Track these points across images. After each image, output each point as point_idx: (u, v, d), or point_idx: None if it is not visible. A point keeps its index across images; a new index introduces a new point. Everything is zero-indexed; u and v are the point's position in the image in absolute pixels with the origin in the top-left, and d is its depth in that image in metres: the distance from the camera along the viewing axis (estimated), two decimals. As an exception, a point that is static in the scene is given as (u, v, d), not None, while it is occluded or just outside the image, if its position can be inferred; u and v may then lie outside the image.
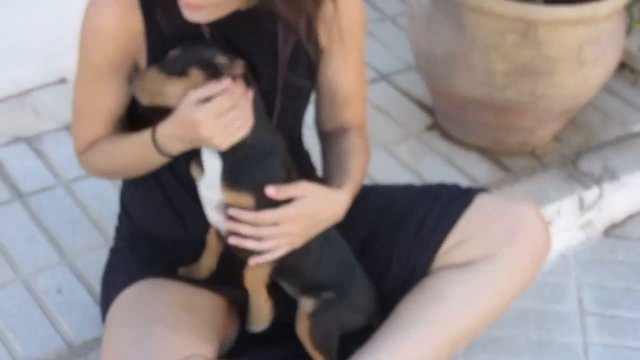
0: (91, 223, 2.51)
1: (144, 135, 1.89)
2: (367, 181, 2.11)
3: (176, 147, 1.87)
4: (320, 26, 1.98)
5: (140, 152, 1.93)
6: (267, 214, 1.86)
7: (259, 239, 1.87)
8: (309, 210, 1.88)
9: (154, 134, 1.87)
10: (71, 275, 2.36)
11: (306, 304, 1.99)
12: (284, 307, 2.04)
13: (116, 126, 1.98)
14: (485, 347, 2.40)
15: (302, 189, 1.88)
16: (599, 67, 2.67)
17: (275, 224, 1.86)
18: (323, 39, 2.01)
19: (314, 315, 1.99)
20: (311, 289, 2.00)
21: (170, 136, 1.85)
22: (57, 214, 2.54)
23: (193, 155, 1.89)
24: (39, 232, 2.48)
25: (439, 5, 2.66)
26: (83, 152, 2.00)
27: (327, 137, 2.13)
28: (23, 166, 2.68)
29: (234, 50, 1.84)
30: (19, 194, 2.59)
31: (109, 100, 1.94)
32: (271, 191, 1.85)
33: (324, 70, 2.06)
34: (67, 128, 2.77)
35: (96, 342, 2.17)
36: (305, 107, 2.09)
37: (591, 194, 2.75)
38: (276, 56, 1.96)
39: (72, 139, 2.01)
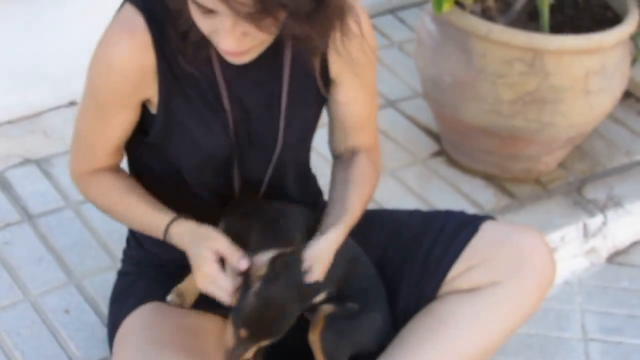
0: (99, 245, 2.53)
1: (158, 219, 1.95)
2: (373, 206, 2.13)
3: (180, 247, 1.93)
4: (331, 55, 2.00)
5: (147, 227, 1.99)
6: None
7: None
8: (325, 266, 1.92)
9: (168, 230, 1.93)
10: (79, 296, 2.38)
11: (326, 308, 2.00)
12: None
13: (116, 153, 2.02)
14: (489, 372, 2.41)
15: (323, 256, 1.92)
16: (604, 96, 2.70)
17: None
18: (333, 68, 2.02)
19: (330, 318, 1.99)
20: (336, 299, 2.02)
21: (179, 242, 1.92)
22: (65, 236, 2.56)
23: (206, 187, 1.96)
24: (47, 253, 2.50)
25: (447, 33, 2.69)
26: (80, 176, 2.04)
27: (337, 161, 2.15)
28: (33, 188, 2.70)
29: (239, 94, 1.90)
30: (28, 216, 2.61)
31: (112, 132, 1.96)
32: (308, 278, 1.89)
33: (334, 98, 2.07)
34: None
35: (103, 363, 2.19)
36: (312, 135, 2.11)
37: (595, 221, 2.77)
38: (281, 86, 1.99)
39: (69, 160, 2.04)
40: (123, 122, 1.95)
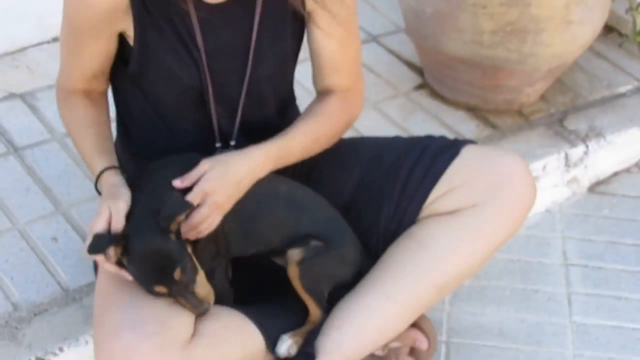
0: (85, 175, 2.55)
1: (96, 163, 2.00)
2: (355, 136, 2.15)
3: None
4: None
5: (88, 165, 2.05)
6: (190, 199, 1.90)
7: (195, 228, 1.92)
8: (221, 177, 1.92)
9: (100, 175, 1.98)
10: (66, 224, 2.41)
11: (294, 254, 2.04)
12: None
13: (92, 80, 2.05)
14: (471, 296, 2.46)
15: (203, 164, 1.93)
16: (585, 26, 2.72)
17: (200, 205, 1.91)
18: (309, 2, 2.03)
19: (302, 262, 2.04)
20: (298, 241, 2.06)
21: (102, 189, 1.97)
22: (51, 167, 2.58)
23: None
24: (34, 184, 2.53)
25: (428, -37, 2.70)
26: (60, 90, 2.09)
27: (314, 99, 2.17)
28: (18, 121, 2.72)
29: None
30: (14, 148, 2.63)
31: (86, 61, 2.01)
32: (177, 183, 1.91)
33: (310, 36, 2.09)
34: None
35: (91, 287, 2.22)
36: (289, 68, 2.13)
37: (577, 151, 2.80)
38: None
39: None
40: (96, 52, 1.99)
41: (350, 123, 2.17)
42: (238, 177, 1.94)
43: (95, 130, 2.05)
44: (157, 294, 1.87)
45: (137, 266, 1.86)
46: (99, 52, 2.00)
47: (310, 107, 2.12)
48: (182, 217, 1.86)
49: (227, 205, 1.94)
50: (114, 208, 1.88)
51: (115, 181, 1.96)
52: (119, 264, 1.87)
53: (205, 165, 1.93)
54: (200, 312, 1.90)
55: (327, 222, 2.10)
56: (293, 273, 2.04)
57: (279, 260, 2.07)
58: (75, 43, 1.99)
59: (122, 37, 1.99)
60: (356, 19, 2.12)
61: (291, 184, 2.08)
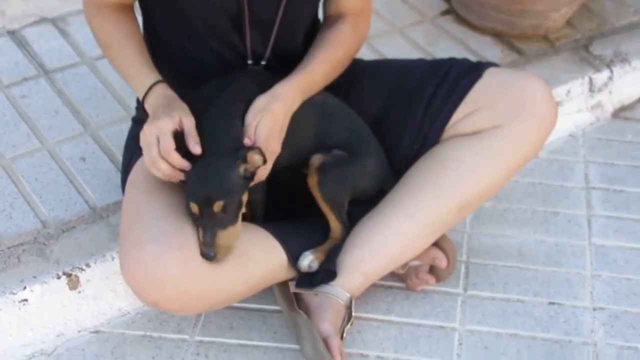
0: (114, 98, 2.59)
1: (146, 75, 2.00)
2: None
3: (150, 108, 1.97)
4: None
5: (132, 78, 2.03)
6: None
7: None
8: (269, 126, 1.94)
9: (152, 87, 1.97)
10: (94, 145, 2.45)
11: (315, 159, 2.08)
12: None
13: None
14: (492, 217, 2.48)
15: (252, 119, 1.94)
16: (611, -50, 2.71)
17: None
18: None
19: (322, 169, 2.07)
20: (322, 149, 2.09)
21: (154, 102, 1.95)
22: (81, 90, 2.62)
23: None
24: (63, 105, 2.57)
25: None
26: (92, 13, 2.07)
27: (323, 23, 2.19)
28: (49, 45, 2.76)
29: None
30: (44, 71, 2.67)
31: None
32: (247, 142, 1.92)
33: None
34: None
35: (117, 206, 2.27)
36: (312, 17, 2.16)
37: (602, 76, 2.80)
38: None
39: None
40: None
41: (361, 45, 2.19)
42: (280, 120, 1.97)
43: (134, 41, 2.05)
44: (188, 209, 1.90)
45: (195, 175, 1.87)
46: None
47: (324, 35, 2.13)
48: (259, 162, 1.88)
49: (279, 147, 1.98)
50: (185, 119, 1.89)
51: (172, 94, 1.97)
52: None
53: (257, 117, 1.94)
54: (204, 253, 1.89)
55: (353, 131, 2.13)
56: (313, 180, 2.08)
57: (305, 170, 2.10)
58: None
59: None
60: None
61: (324, 94, 2.12)
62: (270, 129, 1.94)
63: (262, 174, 1.95)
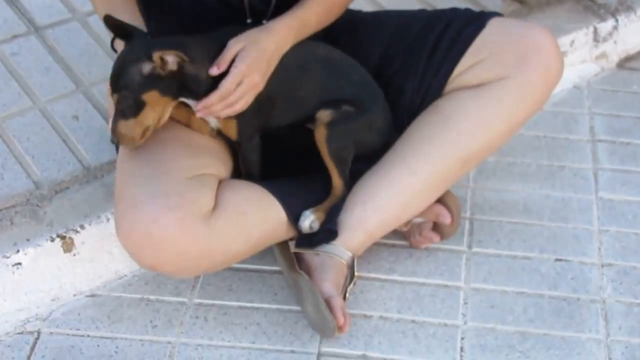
0: (107, 54, 2.53)
1: None
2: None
3: None
4: None
5: None
6: (228, 84, 1.88)
7: (231, 106, 1.91)
8: (254, 55, 1.89)
9: None
10: (87, 103, 2.40)
11: (324, 115, 2.03)
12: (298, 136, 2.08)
13: None
14: (496, 172, 2.43)
15: (234, 45, 1.89)
16: None
17: (238, 84, 1.89)
18: None
19: (331, 124, 2.02)
20: (330, 103, 2.03)
21: None
22: (72, 47, 2.56)
23: None
24: (55, 63, 2.51)
25: None
26: None
27: None
28: (39, 1, 2.69)
29: None
30: (35, 27, 2.61)
31: None
32: (214, 70, 1.87)
33: None
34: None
35: (112, 165, 2.22)
36: None
37: (606, 25, 2.74)
38: None
39: None
40: None
41: None
42: (268, 54, 1.92)
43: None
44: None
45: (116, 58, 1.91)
46: None
47: None
48: (171, 65, 1.85)
49: (262, 83, 1.92)
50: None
51: None
52: None
53: (237, 45, 1.90)
54: (111, 138, 1.91)
55: (360, 86, 2.08)
56: (321, 135, 2.03)
57: (310, 125, 2.06)
58: None
59: None
60: None
61: (328, 48, 2.07)
62: (254, 60, 1.89)
63: (240, 106, 1.90)
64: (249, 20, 2.03)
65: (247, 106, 1.92)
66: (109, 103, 2.05)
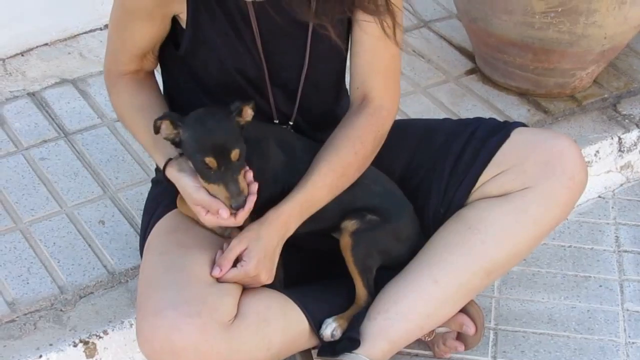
0: (134, 160, 2.56)
1: (158, 155, 1.97)
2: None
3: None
4: None
5: (150, 153, 2.01)
6: (231, 277, 1.91)
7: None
8: (258, 256, 1.91)
9: (165, 170, 1.94)
10: (114, 208, 2.42)
11: (349, 225, 2.03)
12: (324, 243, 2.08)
13: (141, 60, 2.03)
14: (521, 282, 2.42)
15: (237, 245, 1.92)
16: (639, 6, 2.66)
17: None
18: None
19: (356, 233, 2.02)
20: (354, 213, 2.04)
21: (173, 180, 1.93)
22: (101, 152, 2.59)
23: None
24: (83, 168, 2.54)
25: (478, -56, 2.67)
26: (108, 75, 2.07)
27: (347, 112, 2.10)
28: (69, 106, 2.74)
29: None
30: (64, 133, 2.65)
31: (136, 40, 1.99)
32: (216, 272, 1.90)
33: (353, 36, 2.04)
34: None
35: (136, 270, 2.22)
36: (338, 76, 2.11)
37: (631, 136, 2.75)
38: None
39: (104, 57, 2.07)
40: (148, 35, 1.98)
41: (380, 141, 2.06)
42: (272, 247, 1.94)
43: (146, 115, 2.01)
44: (204, 168, 1.84)
45: (195, 131, 1.85)
46: (151, 35, 1.98)
47: (335, 135, 2.03)
48: (249, 114, 1.87)
49: (269, 278, 1.95)
50: None
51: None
52: (175, 144, 1.88)
53: (240, 245, 1.92)
54: (237, 203, 1.85)
55: (384, 194, 2.08)
56: (346, 244, 2.03)
57: (335, 234, 2.06)
58: (127, 25, 1.98)
59: (174, 19, 1.98)
60: (400, 29, 2.03)
61: None
62: (259, 261, 1.91)
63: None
64: (276, 121, 2.05)
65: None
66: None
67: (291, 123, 2.07)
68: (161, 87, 2.11)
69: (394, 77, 2.09)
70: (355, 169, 2.02)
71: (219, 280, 1.90)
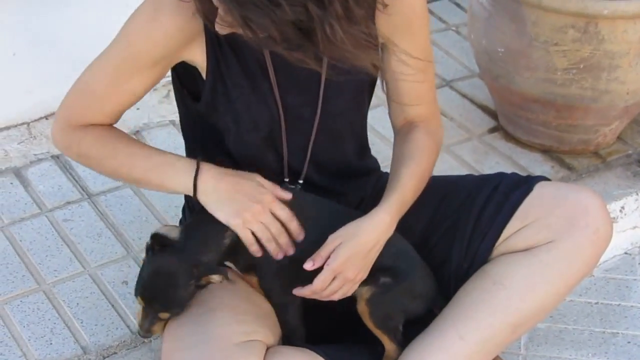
0: (157, 220, 2.56)
1: (183, 162, 1.95)
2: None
3: (217, 204, 1.92)
4: (377, 18, 1.99)
5: (158, 176, 1.96)
6: (320, 282, 1.92)
7: (328, 297, 1.95)
8: (351, 252, 1.92)
9: (197, 180, 1.92)
10: (137, 268, 2.40)
11: (363, 291, 2.02)
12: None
13: (119, 113, 2.00)
14: (548, 339, 2.39)
15: (332, 241, 1.92)
16: (661, 62, 2.67)
17: (333, 279, 1.93)
18: (381, 31, 1.98)
19: (372, 300, 2.01)
20: (368, 277, 2.02)
21: (217, 184, 1.92)
22: (124, 213, 2.60)
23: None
24: (106, 229, 2.54)
25: (499, 2, 2.68)
26: (69, 126, 1.99)
27: (396, 137, 2.14)
28: (92, 169, 2.75)
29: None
30: (88, 194, 2.65)
31: (131, 89, 1.94)
32: (309, 265, 1.91)
33: (387, 66, 2.05)
34: (134, 134, 2.83)
35: (160, 330, 2.21)
36: (366, 100, 2.11)
37: (656, 192, 2.73)
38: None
39: (60, 109, 2.00)
40: (146, 82, 1.94)
41: (440, 148, 2.15)
42: (369, 246, 1.94)
43: (132, 142, 1.99)
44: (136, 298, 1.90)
45: (149, 272, 1.90)
46: (153, 82, 1.94)
47: (402, 150, 2.08)
48: (217, 281, 1.91)
49: (361, 276, 1.95)
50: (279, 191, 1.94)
51: (226, 170, 1.95)
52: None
53: (335, 241, 1.92)
54: (141, 334, 1.93)
55: (396, 254, 2.06)
56: (364, 311, 2.02)
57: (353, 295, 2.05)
58: (127, 69, 1.91)
59: (193, 72, 1.96)
60: (430, 48, 2.09)
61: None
62: (349, 257, 1.91)
63: (338, 295, 1.95)
64: (286, 179, 2.05)
65: (349, 295, 1.97)
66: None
67: (301, 182, 2.07)
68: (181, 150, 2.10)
69: (434, 91, 2.14)
70: (428, 175, 2.09)
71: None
